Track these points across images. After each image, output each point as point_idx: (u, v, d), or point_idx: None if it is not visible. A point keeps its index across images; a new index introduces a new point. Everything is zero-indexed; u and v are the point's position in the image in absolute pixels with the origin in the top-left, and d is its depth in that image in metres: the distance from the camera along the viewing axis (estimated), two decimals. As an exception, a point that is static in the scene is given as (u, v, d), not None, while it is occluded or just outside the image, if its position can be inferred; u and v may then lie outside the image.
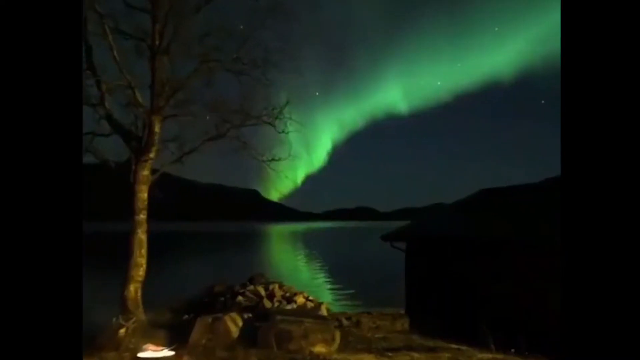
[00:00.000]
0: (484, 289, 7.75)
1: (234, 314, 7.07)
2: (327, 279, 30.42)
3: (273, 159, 13.23)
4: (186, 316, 15.89)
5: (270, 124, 12.36)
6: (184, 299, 18.85)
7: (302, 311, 6.79)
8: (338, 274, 32.18)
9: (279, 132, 12.56)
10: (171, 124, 11.63)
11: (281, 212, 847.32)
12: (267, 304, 14.27)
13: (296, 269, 36.79)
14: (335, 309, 19.47)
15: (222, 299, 16.22)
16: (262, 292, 16.10)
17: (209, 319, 7.23)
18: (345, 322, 12.97)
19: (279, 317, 6.67)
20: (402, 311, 17.70)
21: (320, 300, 17.93)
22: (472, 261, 7.93)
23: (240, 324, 6.84)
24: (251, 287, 16.97)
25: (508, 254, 7.34)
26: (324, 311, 14.01)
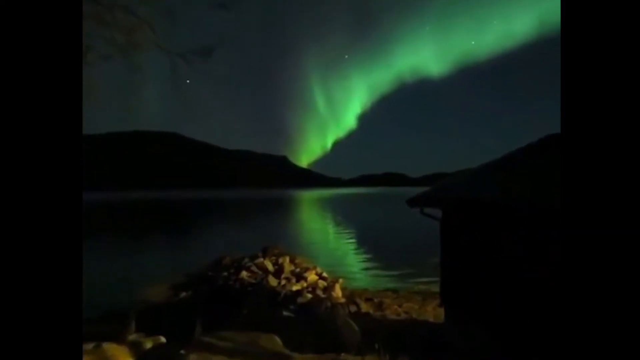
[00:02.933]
0: (553, 285, 5.03)
1: (129, 337, 4.28)
2: (355, 248, 28.23)
3: (193, 52, 7.17)
4: (183, 294, 14.08)
5: None
6: (188, 273, 17.11)
7: (251, 338, 4.03)
8: (367, 242, 29.85)
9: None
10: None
11: (310, 178, 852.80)
12: (273, 281, 12.09)
13: (323, 237, 34.65)
14: (360, 282, 17.28)
15: (225, 273, 14.23)
16: (270, 267, 13.95)
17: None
18: (363, 305, 10.64)
19: (192, 357, 3.77)
20: (435, 289, 15.32)
21: (337, 276, 15.71)
22: (543, 239, 5.20)
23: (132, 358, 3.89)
24: (259, 260, 14.89)
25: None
26: (338, 291, 11.71)
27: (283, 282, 12.18)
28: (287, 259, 14.73)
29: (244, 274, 13.34)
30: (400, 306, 11.34)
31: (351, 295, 12.02)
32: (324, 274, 13.43)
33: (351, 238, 33.07)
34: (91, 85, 6.12)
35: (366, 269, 20.87)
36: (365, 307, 10.48)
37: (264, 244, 20.26)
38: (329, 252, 26.45)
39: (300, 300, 10.03)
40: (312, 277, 12.55)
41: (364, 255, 24.53)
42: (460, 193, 5.83)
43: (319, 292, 11.10)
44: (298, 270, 13.45)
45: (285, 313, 8.60)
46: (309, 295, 10.51)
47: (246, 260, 16.19)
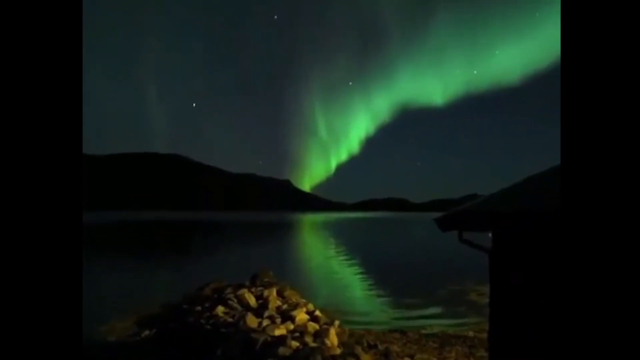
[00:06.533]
0: None
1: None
2: (357, 275, 25.67)
3: None
4: (147, 332, 11.67)
5: None
6: (160, 305, 14.70)
7: None
8: (370, 270, 27.23)
9: None
10: None
11: (313, 202, 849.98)
12: (252, 321, 9.67)
13: (325, 264, 32.00)
14: (363, 317, 14.80)
15: (199, 308, 11.84)
16: (252, 302, 11.53)
17: None
18: (365, 357, 8.20)
19: None
20: (451, 330, 12.88)
21: (334, 309, 13.28)
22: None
23: None
24: (242, 292, 12.49)
25: None
26: (333, 338, 9.26)
27: (265, 322, 9.77)
28: (274, 291, 12.33)
29: (220, 309, 10.96)
30: (412, 357, 8.91)
31: (350, 340, 9.60)
32: (317, 313, 10.98)
33: (352, 264, 30.53)
34: None
35: (369, 299, 18.39)
36: (365, 359, 8.05)
37: (261, 268, 18.01)
38: (328, 279, 24.08)
39: (282, 351, 7.64)
40: (301, 316, 10.14)
41: (368, 285, 22.05)
42: (531, 203, 3.54)
43: (308, 339, 8.68)
44: (285, 306, 11.04)
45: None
46: (295, 344, 8.12)
47: (228, 290, 13.81)
